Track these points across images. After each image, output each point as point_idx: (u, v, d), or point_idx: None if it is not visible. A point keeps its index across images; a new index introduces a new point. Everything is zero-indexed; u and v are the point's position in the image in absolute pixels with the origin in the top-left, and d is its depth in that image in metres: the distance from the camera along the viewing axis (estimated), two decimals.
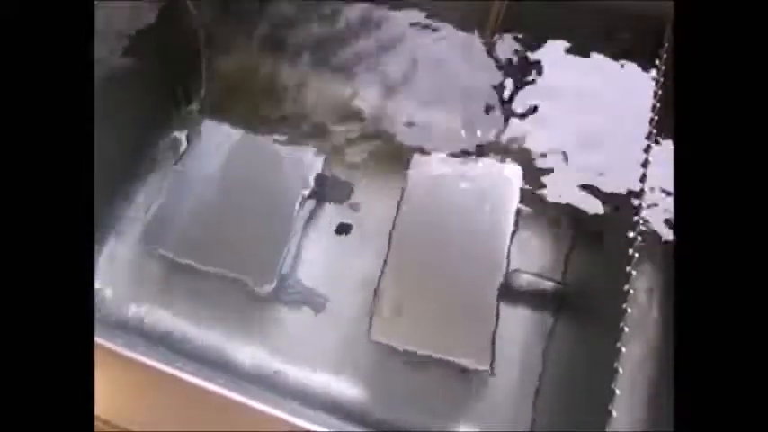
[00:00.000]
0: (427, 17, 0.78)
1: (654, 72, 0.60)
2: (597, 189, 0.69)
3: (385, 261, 0.63)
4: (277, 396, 0.58)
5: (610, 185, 0.67)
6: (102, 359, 0.40)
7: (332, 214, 0.74)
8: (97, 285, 0.70)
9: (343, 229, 0.73)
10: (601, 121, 0.71)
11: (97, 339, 0.43)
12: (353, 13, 0.79)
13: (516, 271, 0.67)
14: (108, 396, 0.39)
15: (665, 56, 0.59)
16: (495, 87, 0.76)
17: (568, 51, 0.73)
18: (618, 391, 0.43)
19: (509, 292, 0.64)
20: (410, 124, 0.77)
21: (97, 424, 0.42)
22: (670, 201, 0.57)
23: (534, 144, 0.73)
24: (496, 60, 0.76)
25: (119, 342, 0.45)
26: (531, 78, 0.75)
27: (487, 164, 0.68)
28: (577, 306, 0.64)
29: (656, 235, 0.59)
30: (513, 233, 0.64)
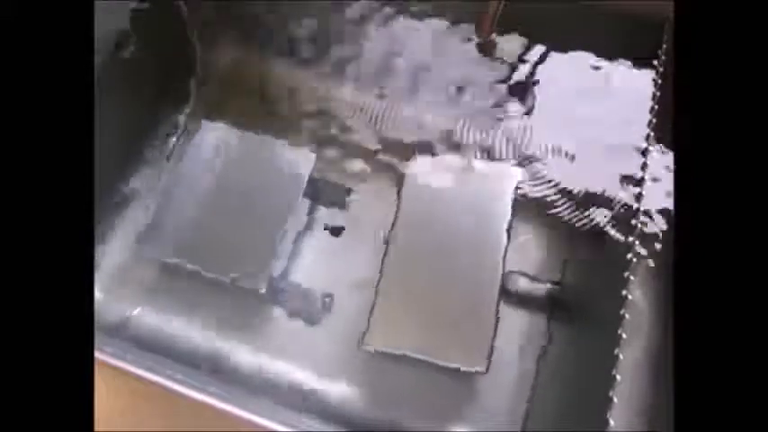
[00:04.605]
0: (425, 16, 0.78)
1: (653, 73, 0.59)
2: (595, 191, 0.68)
3: (381, 264, 0.62)
4: (270, 401, 0.57)
5: (608, 188, 0.67)
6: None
7: (327, 215, 0.73)
8: None
9: (338, 230, 0.72)
10: (599, 122, 0.70)
11: None
12: (350, 12, 0.78)
13: (513, 273, 0.66)
14: (98, 405, 0.38)
15: (664, 56, 0.58)
16: (492, 87, 0.76)
17: (566, 51, 0.73)
18: (615, 399, 0.43)
19: (506, 295, 0.64)
20: (407, 124, 0.77)
21: None
22: (669, 204, 0.57)
23: (531, 145, 0.73)
24: (494, 60, 0.76)
25: (108, 351, 0.45)
26: (528, 79, 0.75)
27: (484, 165, 0.67)
28: (575, 309, 0.64)
29: (654, 239, 0.59)
30: (510, 235, 0.63)
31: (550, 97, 0.74)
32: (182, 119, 0.78)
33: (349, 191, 0.74)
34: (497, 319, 0.60)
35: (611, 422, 0.42)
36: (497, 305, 0.60)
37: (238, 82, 0.81)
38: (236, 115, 0.74)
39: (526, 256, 0.69)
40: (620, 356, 0.44)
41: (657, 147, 0.54)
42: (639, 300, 0.60)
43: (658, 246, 0.59)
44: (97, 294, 0.70)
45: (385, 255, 0.63)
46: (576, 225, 0.69)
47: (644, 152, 0.54)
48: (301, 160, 0.69)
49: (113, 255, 0.72)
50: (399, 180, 0.67)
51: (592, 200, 0.68)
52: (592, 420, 0.44)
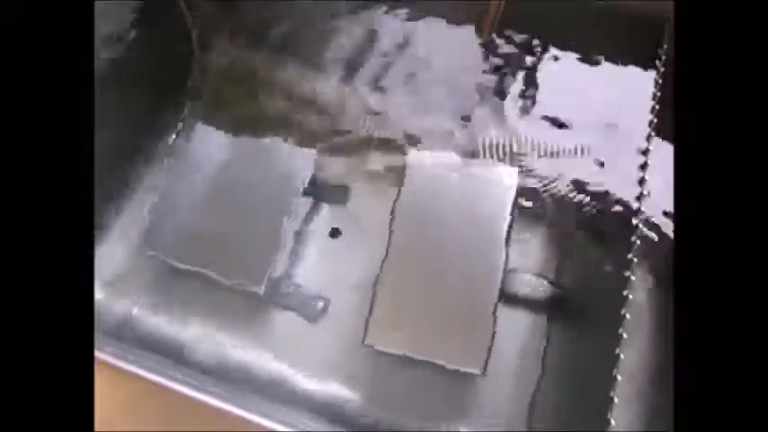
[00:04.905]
0: (424, 16, 0.78)
1: (653, 72, 0.59)
2: (596, 191, 0.68)
3: (381, 263, 0.62)
4: (270, 401, 0.57)
5: (609, 187, 0.67)
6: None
7: (327, 215, 0.73)
8: None
9: (338, 230, 0.72)
10: (599, 122, 0.70)
11: None
12: (349, 12, 0.78)
13: (513, 273, 0.66)
14: (98, 405, 0.39)
15: (664, 56, 0.58)
16: (492, 87, 0.76)
17: (567, 51, 0.73)
18: (616, 399, 0.43)
19: (506, 294, 0.64)
20: (407, 124, 0.77)
21: None
22: (669, 203, 0.57)
23: (531, 145, 0.73)
24: (494, 60, 0.76)
25: (108, 350, 0.45)
26: (528, 78, 0.75)
27: (484, 164, 0.67)
28: (575, 309, 0.64)
29: (655, 238, 0.59)
30: (510, 234, 0.63)
31: (551, 97, 0.74)
32: (181, 119, 0.78)
33: (349, 191, 0.74)
34: (496, 320, 0.59)
35: (612, 422, 0.42)
36: (497, 305, 0.60)
37: (238, 82, 0.81)
38: (235, 115, 0.74)
39: (526, 256, 0.69)
40: (621, 356, 0.44)
41: (658, 146, 0.54)
42: (640, 300, 0.60)
43: (659, 245, 0.59)
44: (97, 294, 0.69)
45: (384, 254, 0.63)
46: (577, 225, 0.69)
47: (645, 152, 0.54)
48: (301, 160, 0.69)
49: (113, 255, 0.72)
50: (399, 180, 0.66)
51: (592, 199, 0.68)
52: (593, 420, 0.44)
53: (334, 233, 0.72)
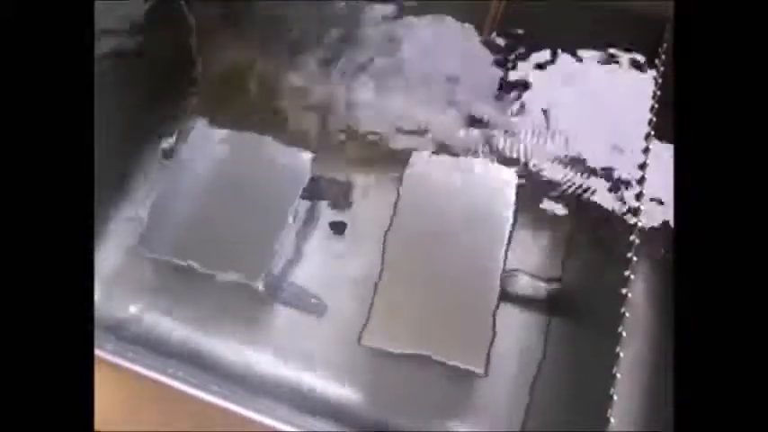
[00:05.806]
0: (426, 15, 0.78)
1: (653, 72, 0.59)
2: (595, 191, 0.68)
3: (381, 263, 0.62)
4: (270, 400, 0.57)
5: (608, 187, 0.67)
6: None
7: (327, 214, 0.73)
8: None
9: (338, 228, 0.72)
10: (599, 121, 0.70)
11: None
12: (349, 11, 0.78)
13: (513, 272, 0.66)
14: (97, 403, 0.39)
15: (664, 56, 0.58)
16: (492, 86, 0.76)
17: (567, 51, 0.73)
18: (616, 398, 0.43)
19: (506, 294, 0.64)
20: (407, 123, 0.77)
21: None
22: (669, 202, 0.57)
23: (532, 144, 0.73)
24: (494, 59, 0.76)
25: (108, 348, 0.45)
26: (529, 78, 0.75)
27: (485, 164, 0.67)
28: (575, 308, 0.64)
29: (655, 237, 0.59)
30: (511, 234, 0.63)
31: (551, 96, 0.74)
32: (181, 118, 0.78)
33: (349, 190, 0.74)
34: (496, 319, 0.59)
35: (612, 421, 0.42)
36: (497, 305, 0.60)
37: (238, 82, 0.81)
38: (235, 115, 0.74)
39: (526, 256, 0.69)
40: (621, 355, 0.44)
41: (658, 146, 0.54)
42: (639, 298, 0.60)
43: (659, 244, 0.59)
44: (97, 293, 0.70)
45: (384, 253, 0.63)
46: (576, 224, 0.69)
47: (645, 151, 0.54)
48: (301, 160, 0.69)
49: (113, 253, 0.72)
50: (399, 179, 0.67)
51: (592, 198, 0.68)
52: (592, 419, 0.44)
53: (334, 232, 0.72)
